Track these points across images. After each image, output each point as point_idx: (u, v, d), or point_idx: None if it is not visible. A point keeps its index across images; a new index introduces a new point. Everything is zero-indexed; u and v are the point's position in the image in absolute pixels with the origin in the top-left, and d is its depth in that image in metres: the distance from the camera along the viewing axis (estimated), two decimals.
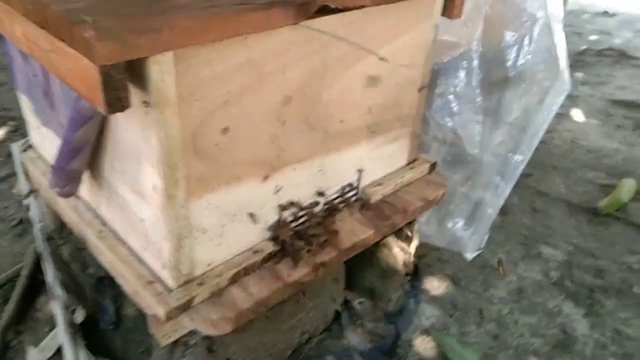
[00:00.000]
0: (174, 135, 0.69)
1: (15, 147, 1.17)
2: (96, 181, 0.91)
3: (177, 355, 0.88)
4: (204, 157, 0.74)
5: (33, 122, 1.10)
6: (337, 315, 1.12)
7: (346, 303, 1.14)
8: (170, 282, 0.81)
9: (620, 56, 2.85)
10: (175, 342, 0.87)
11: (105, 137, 0.81)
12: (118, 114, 0.61)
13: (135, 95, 0.64)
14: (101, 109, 0.60)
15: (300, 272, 0.89)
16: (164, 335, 0.83)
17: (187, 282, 0.82)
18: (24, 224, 1.40)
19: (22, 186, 1.15)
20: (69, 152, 0.80)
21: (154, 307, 0.79)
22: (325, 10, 0.75)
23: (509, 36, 1.16)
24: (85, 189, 0.96)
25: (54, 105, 0.94)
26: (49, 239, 1.14)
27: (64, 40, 0.62)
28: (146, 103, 0.65)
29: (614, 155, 1.82)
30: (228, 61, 0.71)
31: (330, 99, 0.88)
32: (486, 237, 1.33)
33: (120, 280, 0.88)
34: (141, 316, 1.15)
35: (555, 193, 1.59)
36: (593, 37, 3.22)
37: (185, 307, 0.80)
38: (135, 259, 0.87)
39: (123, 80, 0.59)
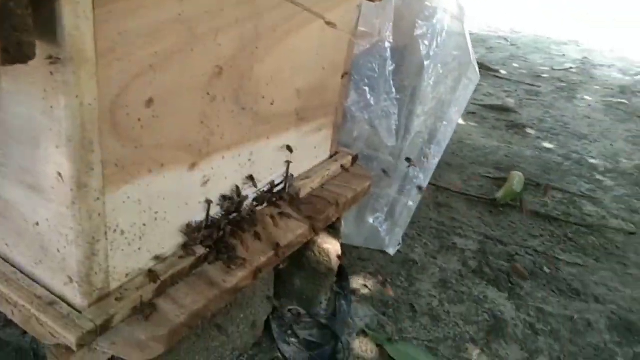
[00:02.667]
0: (89, 103, 0.53)
1: None
2: None
3: None
4: (124, 136, 0.60)
5: None
6: (266, 327, 1.00)
7: (274, 312, 1.03)
8: (79, 301, 0.63)
9: (481, 68, 3.10)
10: None
11: None
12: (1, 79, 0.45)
13: (37, 48, 0.48)
14: None
15: (237, 277, 0.76)
16: None
17: (100, 299, 0.65)
18: None
19: None
20: None
21: (59, 334, 0.61)
22: None
23: (421, 27, 1.16)
24: None
25: None
26: None
27: None
28: (53, 59, 0.50)
29: (496, 152, 1.94)
30: (157, 14, 0.57)
31: (261, 74, 0.78)
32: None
33: (3, 307, 0.67)
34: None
35: (455, 188, 1.63)
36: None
37: (103, 329, 0.63)
38: (25, 278, 0.67)
39: (26, 19, 0.44)
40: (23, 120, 0.57)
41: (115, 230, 0.64)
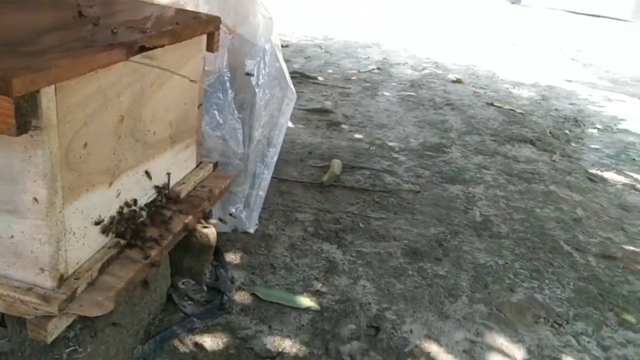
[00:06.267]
0: (55, 152, 0.86)
1: None
2: None
3: (56, 352, 1.00)
4: (72, 168, 0.92)
5: None
6: (168, 298, 1.35)
7: (172, 286, 1.38)
8: (49, 284, 0.94)
9: (302, 77, 3.65)
10: (50, 345, 0.98)
11: None
12: None
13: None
14: (11, 133, 0.75)
15: (151, 256, 1.11)
16: (49, 333, 0.95)
17: (64, 281, 0.96)
18: None
19: None
20: None
21: (43, 306, 0.91)
22: (143, 49, 1.02)
23: (249, 63, 1.58)
24: None
25: None
26: None
27: None
28: (34, 127, 0.82)
29: (320, 147, 2.45)
30: (86, 90, 0.91)
31: (146, 116, 1.13)
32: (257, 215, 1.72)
33: None
34: None
35: (292, 178, 2.10)
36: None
37: (71, 298, 0.94)
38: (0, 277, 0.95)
39: (28, 108, 0.76)
40: (1, 167, 0.86)
41: (69, 232, 0.95)
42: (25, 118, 0.76)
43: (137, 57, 1.02)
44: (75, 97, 0.89)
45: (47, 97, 0.81)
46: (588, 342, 1.39)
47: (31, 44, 0.88)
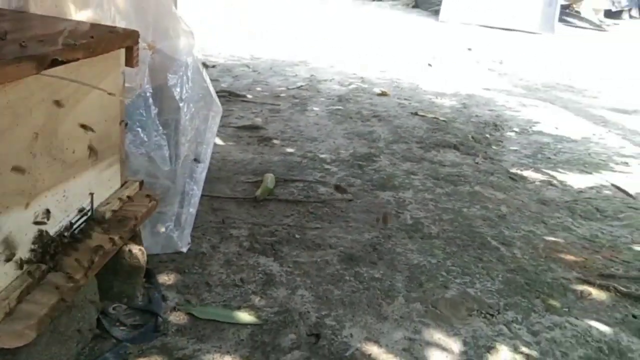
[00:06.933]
0: None
1: None
2: None
3: None
4: None
5: None
6: (99, 325, 1.28)
7: (102, 312, 1.31)
8: None
9: (230, 95, 3.63)
10: None
11: None
12: None
13: None
14: None
15: (74, 279, 1.05)
16: None
17: None
18: None
19: None
20: None
21: None
22: (55, 62, 0.98)
23: (172, 78, 1.55)
24: None
25: None
26: None
27: None
28: None
29: (252, 162, 2.44)
30: None
31: (63, 132, 1.08)
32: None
33: None
34: None
35: (224, 195, 2.07)
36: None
37: None
38: None
39: None
40: None
41: None
42: None
43: (50, 71, 0.98)
44: None
45: None
46: (519, 329, 1.46)
47: None
